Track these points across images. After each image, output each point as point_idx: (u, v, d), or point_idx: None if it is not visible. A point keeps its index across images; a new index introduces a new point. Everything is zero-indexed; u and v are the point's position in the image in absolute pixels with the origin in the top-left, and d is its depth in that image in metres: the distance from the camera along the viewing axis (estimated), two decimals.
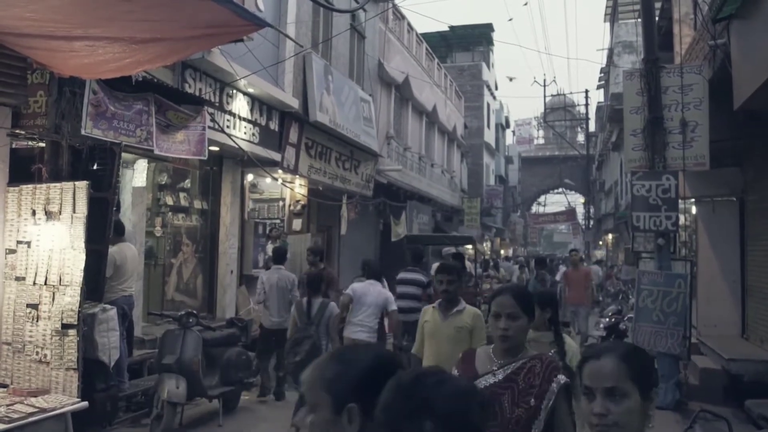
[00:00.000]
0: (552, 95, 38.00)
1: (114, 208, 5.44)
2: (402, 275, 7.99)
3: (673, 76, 7.78)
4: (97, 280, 5.34)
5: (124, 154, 6.01)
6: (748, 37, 6.06)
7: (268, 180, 10.56)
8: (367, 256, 15.70)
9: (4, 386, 4.82)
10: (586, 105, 33.77)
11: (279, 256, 7.83)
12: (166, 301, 8.68)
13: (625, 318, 8.90)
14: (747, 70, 6.08)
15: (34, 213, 5.06)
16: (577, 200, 44.65)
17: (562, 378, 2.40)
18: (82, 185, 4.92)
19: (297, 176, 11.16)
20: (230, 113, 8.81)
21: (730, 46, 6.66)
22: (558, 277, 13.57)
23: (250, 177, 10.34)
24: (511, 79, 46.71)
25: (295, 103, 10.27)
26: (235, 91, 8.86)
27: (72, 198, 4.91)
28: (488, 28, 33.16)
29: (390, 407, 1.15)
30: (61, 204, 4.95)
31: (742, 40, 6.28)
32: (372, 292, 6.33)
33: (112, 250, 5.99)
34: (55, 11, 3.66)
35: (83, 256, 4.81)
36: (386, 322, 6.88)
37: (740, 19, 6.32)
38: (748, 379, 6.87)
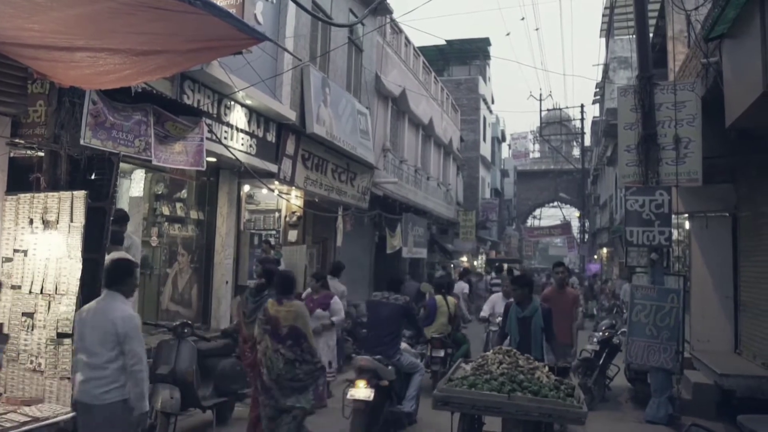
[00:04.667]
0: (548, 109, 38.40)
1: (111, 218, 5.45)
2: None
3: (667, 92, 7.87)
4: (93, 289, 5.34)
5: (121, 164, 6.04)
6: (738, 57, 6.16)
7: (265, 191, 10.60)
8: (363, 267, 15.77)
9: None
10: (582, 119, 34.02)
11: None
12: (161, 311, 8.67)
13: (619, 332, 8.93)
14: (738, 89, 6.17)
15: (31, 222, 5.07)
16: (573, 214, 44.78)
17: None
18: (80, 195, 4.94)
19: (293, 188, 11.20)
20: (228, 125, 8.87)
21: (722, 65, 6.76)
22: None
23: (246, 188, 10.37)
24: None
25: (292, 115, 10.34)
26: (233, 102, 8.92)
27: (70, 207, 4.93)
28: (485, 42, 33.43)
29: None
30: (58, 213, 4.97)
31: (733, 59, 6.38)
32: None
33: (107, 258, 6.00)
34: (58, 23, 3.71)
35: (80, 266, 4.82)
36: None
37: (731, 38, 6.43)
38: (740, 395, 6.90)
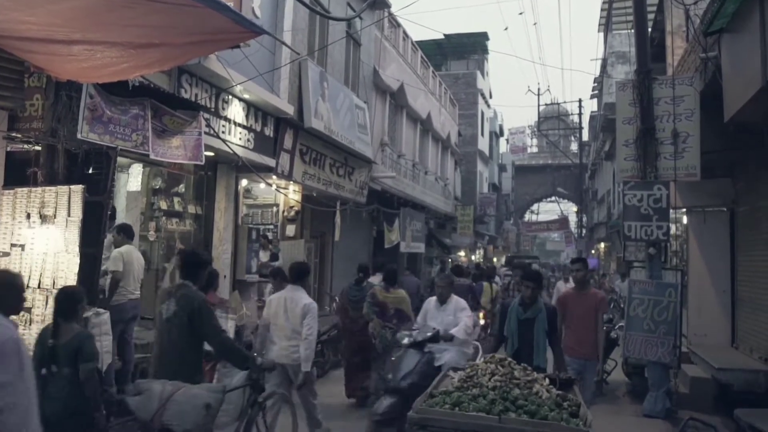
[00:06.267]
0: (546, 104, 38.29)
1: (108, 212, 5.44)
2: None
3: (665, 87, 7.87)
4: (91, 283, 5.33)
5: (119, 159, 6.02)
6: (737, 51, 6.15)
7: (262, 186, 10.58)
8: (361, 262, 15.73)
9: None
10: (580, 114, 34.00)
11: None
12: None
13: (616, 326, 8.95)
14: (737, 83, 6.16)
15: (28, 216, 5.06)
16: (570, 209, 44.85)
17: None
18: (77, 189, 4.93)
19: (291, 182, 11.18)
20: (226, 119, 8.84)
21: (721, 59, 6.76)
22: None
23: (244, 182, 10.35)
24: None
25: (290, 110, 10.31)
26: (230, 96, 8.88)
27: (67, 201, 4.92)
28: (483, 36, 33.35)
29: None
30: (56, 207, 4.96)
31: (732, 54, 6.37)
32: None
33: (120, 250, 6.52)
34: (55, 16, 3.69)
35: (77, 260, 4.81)
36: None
37: (730, 32, 6.42)
38: (737, 389, 6.92)
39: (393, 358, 5.80)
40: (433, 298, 6.58)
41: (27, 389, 2.77)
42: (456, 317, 6.16)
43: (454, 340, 5.83)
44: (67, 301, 3.93)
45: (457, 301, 6.43)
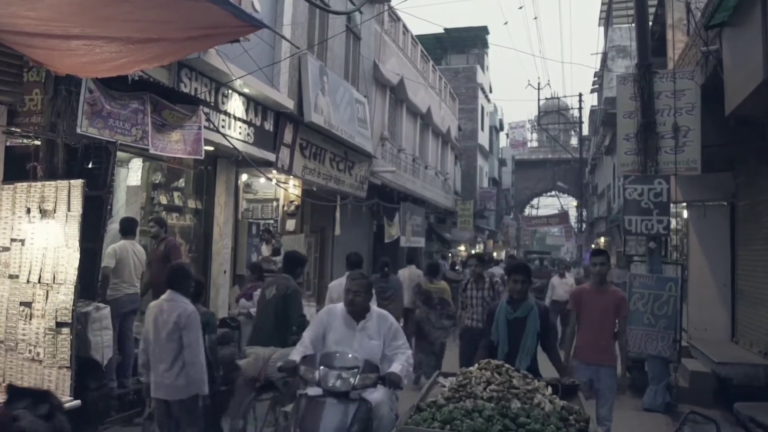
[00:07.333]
0: (546, 98, 38.28)
1: (109, 207, 5.45)
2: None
3: (666, 81, 7.85)
4: (91, 278, 5.34)
5: (119, 153, 6.02)
6: (739, 45, 6.13)
7: (263, 180, 10.58)
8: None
9: None
10: (580, 108, 33.97)
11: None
12: None
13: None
14: (738, 77, 6.15)
15: (28, 211, 5.04)
16: (570, 203, 44.83)
17: None
18: (77, 183, 4.91)
19: (291, 177, 11.17)
20: (225, 113, 8.82)
21: (722, 53, 6.74)
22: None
23: (244, 177, 10.34)
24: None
25: (290, 104, 10.29)
26: (230, 91, 8.87)
27: (67, 196, 4.91)
28: (483, 30, 33.29)
29: None
30: (56, 202, 4.94)
31: (734, 47, 6.36)
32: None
33: (114, 246, 6.53)
34: (54, 10, 3.67)
35: (77, 255, 4.80)
36: None
37: (732, 26, 6.40)
38: (737, 383, 6.95)
39: (301, 415, 3.53)
40: (339, 307, 4.16)
41: (203, 350, 4.52)
42: (386, 344, 4.01)
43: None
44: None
45: (380, 316, 4.13)
